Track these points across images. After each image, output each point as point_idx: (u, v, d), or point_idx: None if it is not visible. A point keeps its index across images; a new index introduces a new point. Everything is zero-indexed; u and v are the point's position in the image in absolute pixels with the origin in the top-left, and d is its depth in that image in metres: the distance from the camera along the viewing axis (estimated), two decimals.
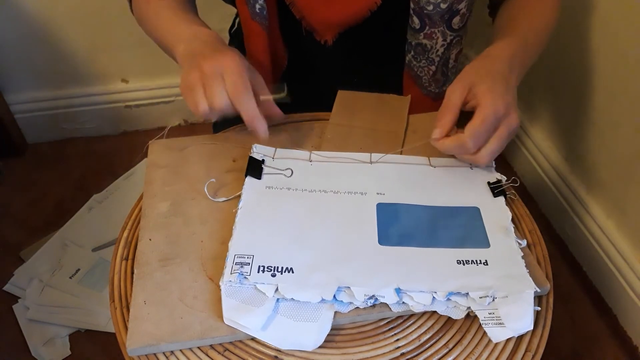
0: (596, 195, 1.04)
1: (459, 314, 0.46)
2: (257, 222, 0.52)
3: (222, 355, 0.45)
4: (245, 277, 0.47)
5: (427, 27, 0.67)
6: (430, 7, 0.65)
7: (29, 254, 1.14)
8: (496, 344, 0.45)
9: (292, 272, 0.47)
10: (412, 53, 0.71)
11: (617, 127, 0.95)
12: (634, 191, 0.93)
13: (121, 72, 1.40)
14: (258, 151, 0.59)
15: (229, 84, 0.54)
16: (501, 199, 0.56)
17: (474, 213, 0.54)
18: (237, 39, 0.82)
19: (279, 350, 0.45)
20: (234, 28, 0.86)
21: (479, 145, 0.54)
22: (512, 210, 0.57)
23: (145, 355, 0.44)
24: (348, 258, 0.49)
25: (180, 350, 0.45)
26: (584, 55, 1.00)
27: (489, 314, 0.45)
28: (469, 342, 0.45)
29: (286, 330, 0.45)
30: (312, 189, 0.56)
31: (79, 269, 1.09)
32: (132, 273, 0.50)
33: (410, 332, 0.46)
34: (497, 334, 0.45)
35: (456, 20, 0.67)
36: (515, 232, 0.52)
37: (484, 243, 0.51)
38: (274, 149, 0.60)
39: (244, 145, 0.62)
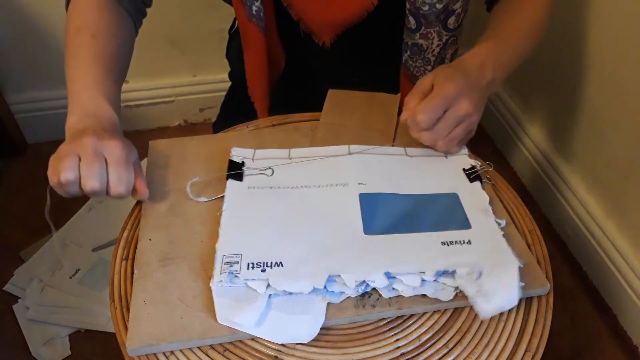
0: (596, 195, 1.04)
1: (447, 296, 0.47)
2: (243, 221, 0.53)
3: (222, 355, 0.45)
4: (235, 276, 0.47)
5: (423, 27, 0.68)
6: (426, 8, 0.65)
7: (29, 254, 1.14)
8: (496, 344, 0.45)
9: (282, 265, 0.48)
10: (409, 53, 0.71)
11: (617, 126, 0.95)
12: (633, 191, 0.93)
13: None
14: (237, 154, 0.60)
15: (116, 176, 0.50)
16: (477, 184, 0.57)
17: (453, 199, 0.55)
18: (237, 40, 0.82)
19: (279, 350, 0.45)
20: (234, 28, 0.86)
21: (430, 123, 0.55)
22: (510, 209, 0.58)
23: (145, 355, 0.44)
24: (335, 248, 0.50)
25: (180, 350, 0.45)
26: (583, 55, 1.00)
27: (477, 290, 0.46)
28: (469, 342, 0.45)
29: (280, 324, 0.45)
30: (294, 186, 0.56)
31: (79, 269, 1.09)
32: (132, 273, 0.50)
33: (410, 332, 0.46)
34: (485, 310, 0.45)
35: (452, 20, 0.68)
36: (494, 213, 0.54)
37: (466, 225, 0.52)
38: (253, 150, 0.60)
39: (244, 145, 0.62)
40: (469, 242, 0.50)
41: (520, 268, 0.47)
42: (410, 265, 0.48)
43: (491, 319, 0.47)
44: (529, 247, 0.53)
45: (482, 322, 0.47)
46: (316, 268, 0.47)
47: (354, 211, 0.53)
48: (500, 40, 0.63)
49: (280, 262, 0.48)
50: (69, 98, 0.56)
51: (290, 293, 0.46)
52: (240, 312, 0.45)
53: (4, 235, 1.19)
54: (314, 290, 0.46)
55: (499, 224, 0.52)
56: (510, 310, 0.48)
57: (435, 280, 0.47)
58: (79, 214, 1.23)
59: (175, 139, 0.63)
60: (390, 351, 0.45)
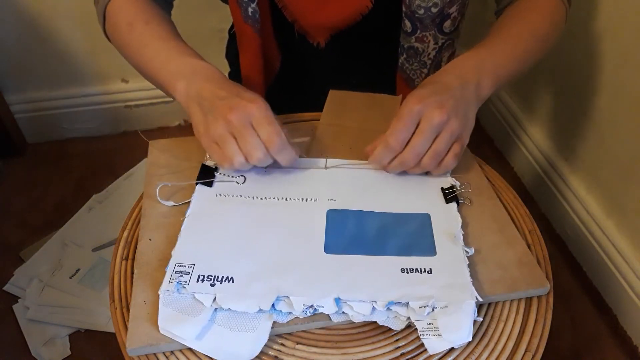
0: (596, 195, 1.04)
1: (398, 325, 0.46)
2: (203, 230, 0.52)
3: None
4: (183, 287, 0.46)
5: (419, 31, 0.68)
6: (422, 11, 0.65)
7: (29, 254, 1.14)
8: (496, 344, 0.45)
9: (232, 281, 0.47)
10: (405, 56, 0.71)
11: (617, 127, 0.95)
12: (633, 191, 0.93)
13: (121, 72, 1.40)
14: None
15: (264, 135, 0.51)
16: (453, 205, 0.55)
17: (424, 220, 0.53)
18: (236, 40, 0.82)
19: (279, 350, 0.45)
20: (234, 29, 0.86)
21: (401, 143, 0.54)
22: (510, 209, 0.57)
23: (145, 355, 0.44)
24: (291, 267, 0.48)
25: (180, 350, 0.45)
26: (584, 55, 1.00)
27: (428, 324, 0.45)
28: (469, 342, 0.45)
29: (222, 340, 0.44)
30: (264, 197, 0.55)
31: (79, 269, 1.09)
32: (132, 273, 0.50)
33: (410, 332, 0.46)
34: (435, 346, 0.44)
35: (447, 24, 0.67)
36: (465, 239, 0.52)
37: (431, 251, 0.50)
38: None
39: None
40: (430, 272, 0.48)
41: (522, 274, 0.47)
42: (363, 292, 0.46)
43: (491, 318, 0.47)
44: (529, 247, 0.53)
45: (482, 322, 0.47)
46: (266, 287, 0.46)
47: (318, 228, 0.52)
48: (494, 46, 0.61)
49: (232, 278, 0.47)
50: (163, 78, 0.59)
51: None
52: (182, 324, 0.44)
53: (4, 235, 1.19)
54: (260, 310, 0.45)
55: (467, 252, 0.50)
56: (510, 310, 0.48)
57: (387, 309, 0.46)
58: (79, 214, 1.23)
59: (175, 139, 0.63)
60: (390, 351, 0.45)
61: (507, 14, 0.67)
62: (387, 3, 0.67)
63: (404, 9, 0.66)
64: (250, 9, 0.66)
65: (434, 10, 0.65)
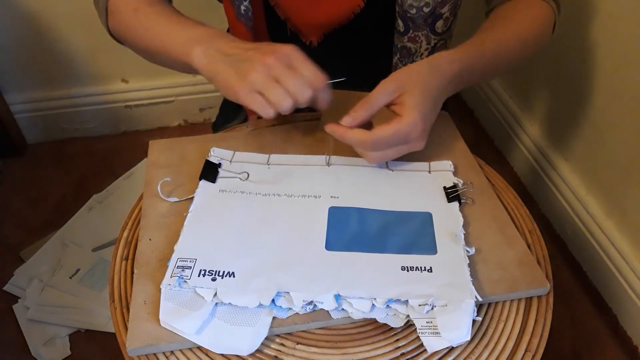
0: (596, 195, 1.04)
1: (397, 322, 0.46)
2: (205, 225, 0.52)
3: (222, 355, 0.45)
4: (184, 281, 0.47)
5: (411, 31, 0.68)
6: (414, 11, 0.65)
7: (29, 254, 1.14)
8: (496, 344, 0.45)
9: (233, 276, 0.47)
10: (398, 55, 0.71)
11: (617, 127, 0.95)
12: (634, 191, 0.93)
13: (121, 72, 1.40)
14: (215, 155, 0.59)
15: (309, 73, 0.50)
16: (455, 204, 0.55)
17: (426, 218, 0.54)
18: None
19: (279, 350, 0.45)
20: None
21: (378, 149, 0.55)
22: (510, 209, 0.57)
23: (145, 355, 0.44)
24: (291, 263, 0.49)
25: (180, 350, 0.45)
26: (584, 55, 1.00)
27: (427, 322, 0.45)
28: (469, 342, 0.45)
29: (222, 334, 0.44)
30: (266, 193, 0.56)
31: (79, 269, 1.09)
32: (132, 273, 0.50)
33: (411, 332, 0.46)
34: (433, 344, 0.44)
35: (439, 24, 0.67)
36: (465, 239, 0.52)
37: (432, 249, 0.50)
38: (232, 152, 0.60)
39: (243, 145, 0.62)
40: (430, 270, 0.48)
41: (524, 272, 0.47)
42: (362, 289, 0.47)
43: (491, 318, 0.47)
44: (529, 247, 0.53)
45: (482, 322, 0.47)
46: (267, 283, 0.47)
47: (320, 225, 0.52)
48: (479, 49, 0.60)
49: (232, 273, 0.48)
50: (175, 51, 0.57)
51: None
52: (182, 318, 0.44)
53: (4, 235, 1.19)
54: (260, 305, 0.46)
55: (468, 252, 0.50)
56: (510, 310, 0.48)
57: (387, 306, 0.46)
58: (79, 214, 1.23)
59: (175, 139, 0.63)
60: (390, 351, 0.45)
61: (495, 15, 0.67)
62: (380, 2, 0.67)
63: (397, 9, 0.66)
64: (242, 7, 0.66)
65: (425, 10, 0.65)
